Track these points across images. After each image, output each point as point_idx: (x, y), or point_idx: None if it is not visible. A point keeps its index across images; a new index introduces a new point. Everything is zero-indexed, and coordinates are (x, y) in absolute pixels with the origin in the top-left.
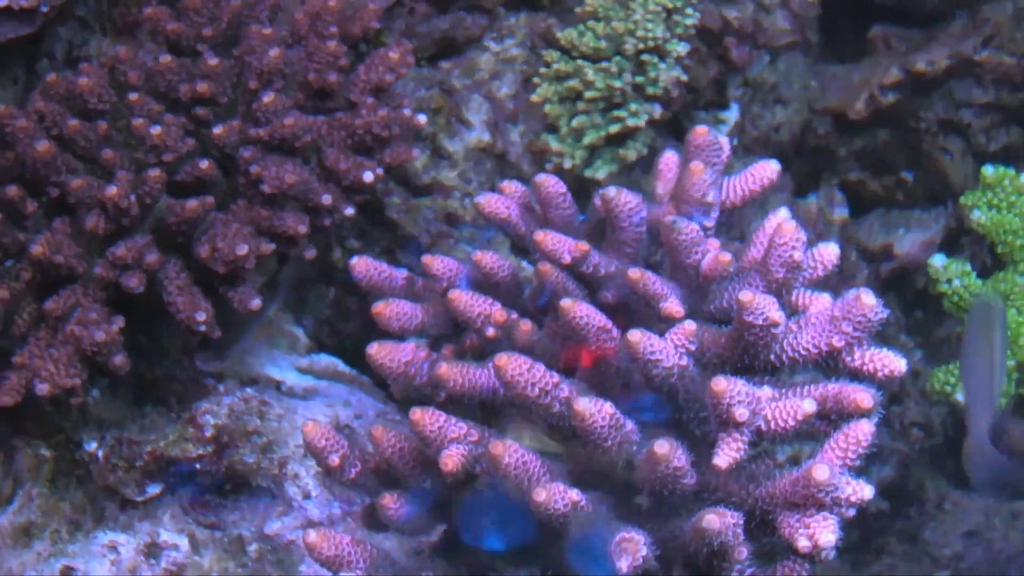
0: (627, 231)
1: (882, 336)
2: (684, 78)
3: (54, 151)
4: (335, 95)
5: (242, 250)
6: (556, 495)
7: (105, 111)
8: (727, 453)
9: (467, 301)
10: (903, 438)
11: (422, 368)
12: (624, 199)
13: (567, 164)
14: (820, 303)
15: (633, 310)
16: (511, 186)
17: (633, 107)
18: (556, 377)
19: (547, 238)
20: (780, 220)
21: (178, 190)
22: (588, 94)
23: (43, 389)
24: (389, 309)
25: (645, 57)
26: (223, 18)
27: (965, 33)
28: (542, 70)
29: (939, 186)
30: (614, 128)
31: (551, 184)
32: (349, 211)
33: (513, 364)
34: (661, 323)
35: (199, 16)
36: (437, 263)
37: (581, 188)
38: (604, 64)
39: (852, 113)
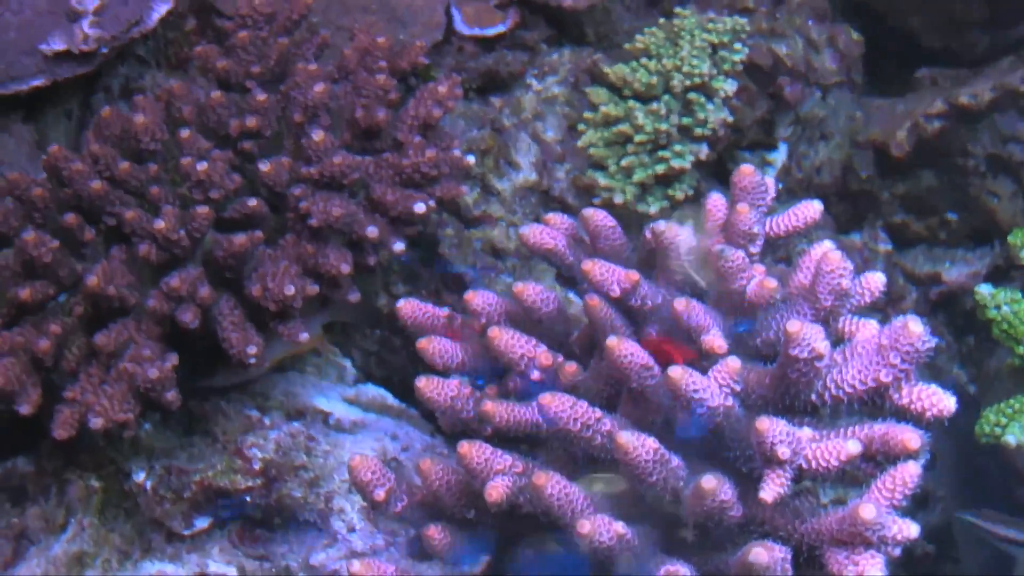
0: (675, 260)
1: (932, 367)
2: (730, 119)
3: (107, 188)
4: (383, 134)
5: (290, 291)
6: (601, 527)
7: (157, 150)
8: (773, 488)
9: (507, 340)
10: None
11: (468, 403)
12: (673, 231)
13: (619, 199)
14: (867, 330)
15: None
16: (556, 218)
17: (678, 148)
18: (598, 412)
19: (596, 268)
20: (825, 249)
21: (227, 227)
22: (638, 137)
23: (97, 423)
24: (432, 346)
25: (692, 96)
26: (271, 56)
27: (1012, 69)
28: (587, 115)
29: (984, 225)
30: (660, 168)
31: (600, 217)
32: (398, 246)
33: (557, 402)
34: (706, 359)
35: (247, 54)
36: (478, 298)
37: (633, 223)
38: (654, 105)
39: (894, 145)
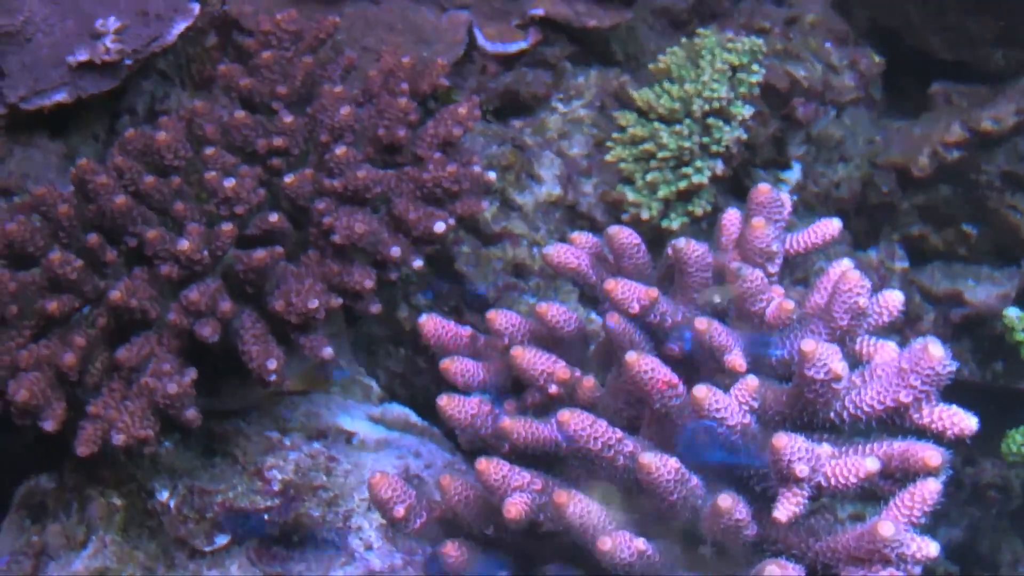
0: (694, 277)
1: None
2: (744, 137)
3: (131, 204)
4: (403, 149)
5: (313, 304)
6: (622, 544)
7: (180, 167)
8: (787, 507)
9: (529, 358)
10: (976, 500)
11: (487, 421)
12: (692, 248)
13: (645, 215)
14: (885, 352)
15: (698, 362)
16: (582, 237)
17: (698, 164)
18: (619, 433)
19: (617, 286)
20: (844, 268)
21: (247, 243)
22: (661, 154)
23: (119, 439)
24: (454, 366)
25: (711, 120)
26: (297, 76)
27: None
28: (616, 135)
29: (1009, 242)
30: (683, 184)
31: (625, 235)
32: (418, 263)
33: (575, 419)
34: (724, 376)
35: (272, 73)
36: (500, 318)
37: (657, 238)
38: (677, 128)
39: (916, 169)
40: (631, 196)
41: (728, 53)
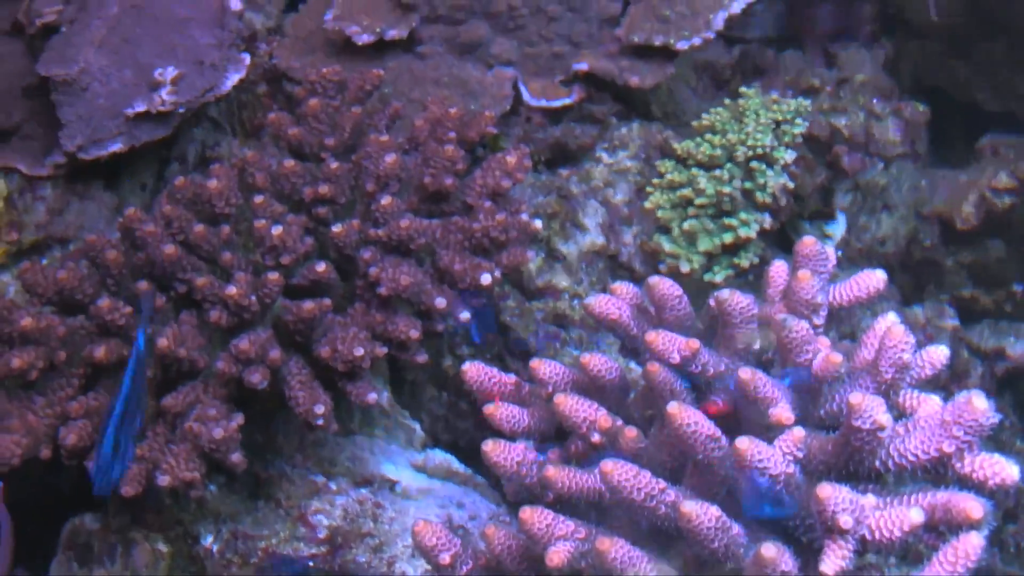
0: (739, 329)
1: (996, 441)
2: (791, 185)
3: (180, 253)
4: (451, 198)
5: (359, 352)
6: None
7: (231, 215)
8: (834, 560)
9: (572, 406)
10: (1018, 560)
11: (532, 469)
12: (736, 299)
13: (685, 268)
14: (929, 405)
15: (742, 414)
16: (623, 287)
17: (743, 216)
18: (662, 483)
19: (658, 338)
20: (889, 323)
21: (295, 293)
22: (699, 200)
23: (164, 480)
24: (500, 412)
25: (754, 164)
26: (345, 127)
27: None
28: (655, 180)
29: None
30: (728, 238)
31: (666, 286)
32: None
33: (619, 470)
34: (769, 429)
35: (319, 122)
36: (544, 367)
37: (700, 292)
38: (717, 172)
39: (960, 219)
40: (667, 247)
41: (772, 113)
